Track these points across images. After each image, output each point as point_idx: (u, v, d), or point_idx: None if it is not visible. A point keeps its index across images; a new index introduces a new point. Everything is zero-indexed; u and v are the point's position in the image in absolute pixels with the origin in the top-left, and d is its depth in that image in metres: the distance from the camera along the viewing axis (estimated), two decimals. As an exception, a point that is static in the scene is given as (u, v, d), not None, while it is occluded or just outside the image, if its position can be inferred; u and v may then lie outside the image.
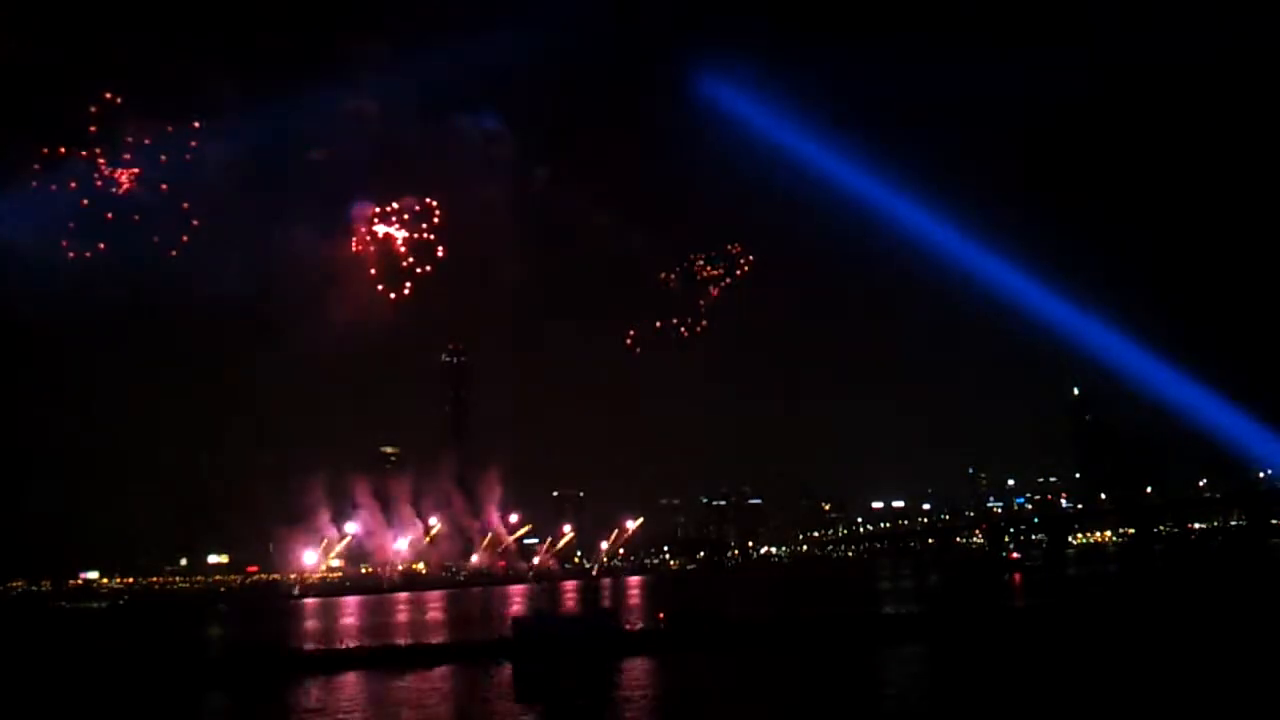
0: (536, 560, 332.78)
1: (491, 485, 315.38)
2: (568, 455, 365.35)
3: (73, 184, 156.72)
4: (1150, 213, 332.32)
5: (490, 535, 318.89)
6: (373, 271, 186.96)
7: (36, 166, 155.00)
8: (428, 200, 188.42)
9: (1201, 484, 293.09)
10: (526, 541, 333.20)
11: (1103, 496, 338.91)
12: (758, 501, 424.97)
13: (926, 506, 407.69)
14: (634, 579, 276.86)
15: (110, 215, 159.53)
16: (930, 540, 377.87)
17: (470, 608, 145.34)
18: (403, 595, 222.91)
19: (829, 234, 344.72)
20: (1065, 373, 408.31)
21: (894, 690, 48.78)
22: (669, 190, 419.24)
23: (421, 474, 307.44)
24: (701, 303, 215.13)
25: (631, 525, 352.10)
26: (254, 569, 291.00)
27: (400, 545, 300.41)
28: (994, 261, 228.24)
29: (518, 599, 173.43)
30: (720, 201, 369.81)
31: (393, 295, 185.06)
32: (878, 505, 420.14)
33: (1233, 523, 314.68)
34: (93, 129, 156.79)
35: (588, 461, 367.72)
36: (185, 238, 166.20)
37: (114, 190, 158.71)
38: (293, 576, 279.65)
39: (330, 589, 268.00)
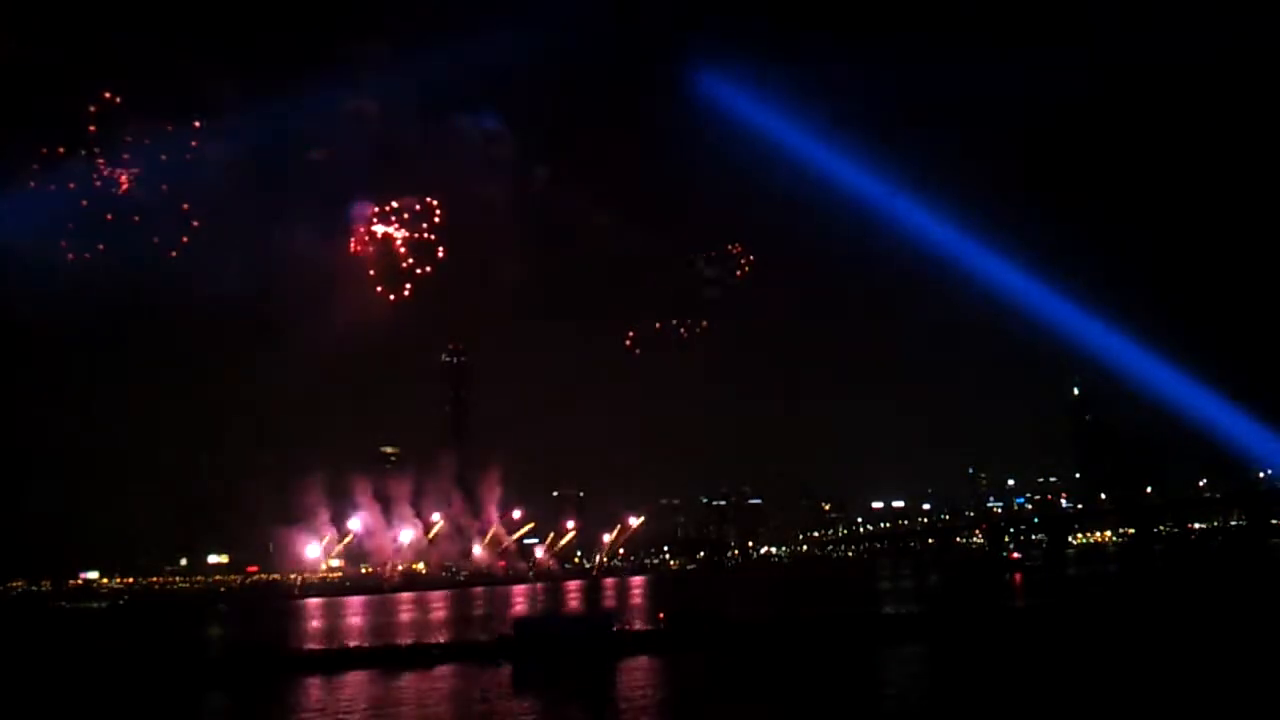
0: (538, 558, 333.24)
1: (491, 485, 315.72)
2: (568, 455, 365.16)
3: (72, 184, 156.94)
4: (1150, 213, 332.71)
5: (491, 535, 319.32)
6: (371, 273, 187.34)
7: (36, 166, 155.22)
8: (428, 200, 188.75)
9: (1201, 484, 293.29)
10: (526, 541, 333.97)
11: (1103, 496, 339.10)
12: (758, 501, 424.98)
13: (926, 506, 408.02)
14: (637, 579, 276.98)
15: (110, 215, 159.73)
16: (930, 540, 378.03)
17: (471, 608, 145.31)
18: (406, 595, 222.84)
19: (829, 234, 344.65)
20: (1065, 373, 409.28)
21: (894, 690, 48.79)
22: (669, 190, 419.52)
23: (421, 474, 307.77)
24: (703, 300, 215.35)
25: (634, 522, 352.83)
26: (254, 569, 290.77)
27: (401, 544, 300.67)
28: (994, 261, 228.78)
29: (520, 599, 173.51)
30: (720, 201, 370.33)
31: (392, 297, 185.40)
32: (878, 505, 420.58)
33: (1233, 523, 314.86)
34: (93, 129, 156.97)
35: (588, 461, 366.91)
36: (185, 238, 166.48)
37: (114, 190, 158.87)
38: (293, 577, 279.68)
39: (330, 589, 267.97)
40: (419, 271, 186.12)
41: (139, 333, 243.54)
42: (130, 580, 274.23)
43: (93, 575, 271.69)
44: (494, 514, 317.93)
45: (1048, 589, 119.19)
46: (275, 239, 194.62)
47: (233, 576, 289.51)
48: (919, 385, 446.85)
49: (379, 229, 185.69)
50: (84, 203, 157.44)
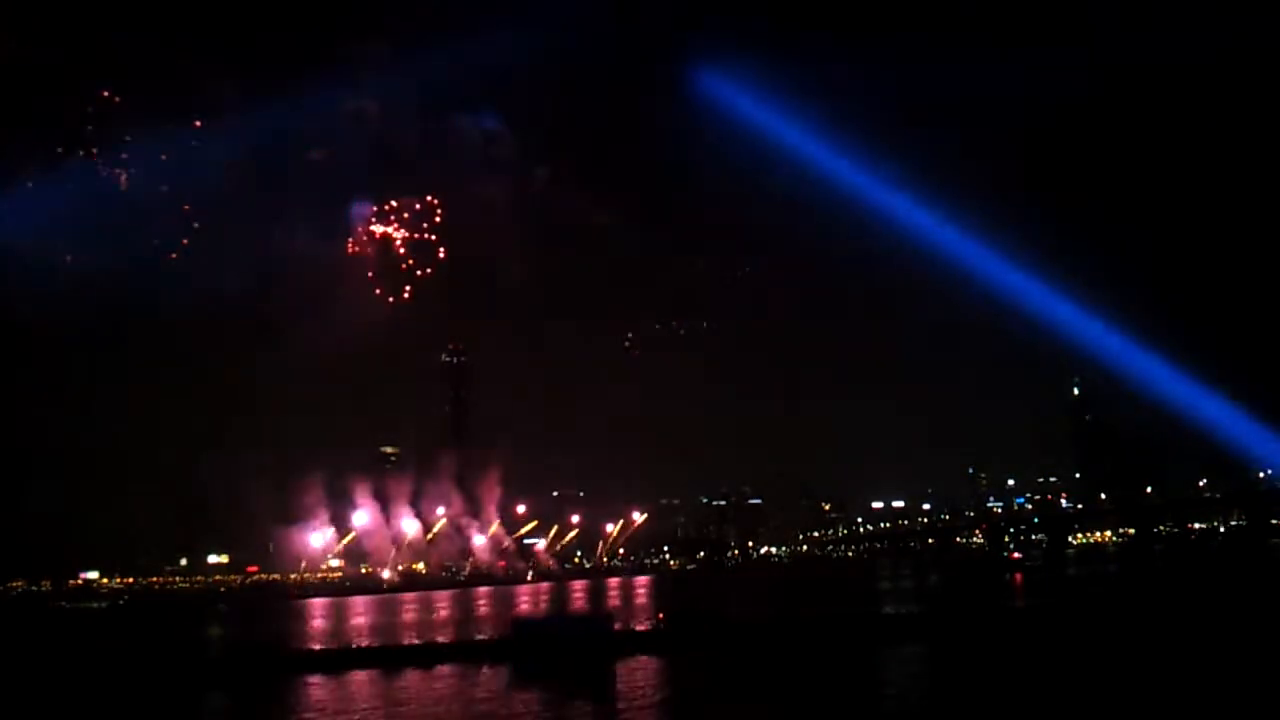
0: (538, 557, 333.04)
1: (491, 485, 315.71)
2: (568, 455, 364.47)
3: (72, 184, 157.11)
4: (1150, 213, 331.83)
5: (491, 534, 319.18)
6: (371, 273, 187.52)
7: (36, 167, 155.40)
8: (428, 200, 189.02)
9: (1201, 484, 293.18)
10: (526, 541, 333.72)
11: (1103, 496, 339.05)
12: (758, 501, 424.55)
13: (926, 506, 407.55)
14: (642, 579, 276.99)
15: (110, 215, 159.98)
16: (930, 540, 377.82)
17: (473, 608, 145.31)
18: (408, 595, 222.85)
19: (829, 234, 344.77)
20: (1065, 373, 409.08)
21: (894, 690, 48.76)
22: (669, 190, 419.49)
23: (421, 474, 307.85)
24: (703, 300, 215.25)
25: (639, 518, 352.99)
26: (254, 569, 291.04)
27: (401, 543, 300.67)
28: (994, 261, 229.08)
29: (524, 598, 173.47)
30: (720, 201, 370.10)
31: (391, 299, 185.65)
32: (878, 505, 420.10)
33: (1233, 523, 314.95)
34: (93, 129, 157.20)
35: (588, 461, 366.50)
36: (185, 239, 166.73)
37: (114, 190, 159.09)
38: (293, 577, 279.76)
39: (330, 589, 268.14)
40: (419, 272, 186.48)
41: (139, 333, 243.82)
42: (130, 580, 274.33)
43: (93, 575, 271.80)
44: (494, 514, 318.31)
45: (1048, 589, 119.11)
46: (275, 239, 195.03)
47: (233, 576, 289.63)
48: (919, 385, 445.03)
49: (379, 229, 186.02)
50: (84, 203, 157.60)
